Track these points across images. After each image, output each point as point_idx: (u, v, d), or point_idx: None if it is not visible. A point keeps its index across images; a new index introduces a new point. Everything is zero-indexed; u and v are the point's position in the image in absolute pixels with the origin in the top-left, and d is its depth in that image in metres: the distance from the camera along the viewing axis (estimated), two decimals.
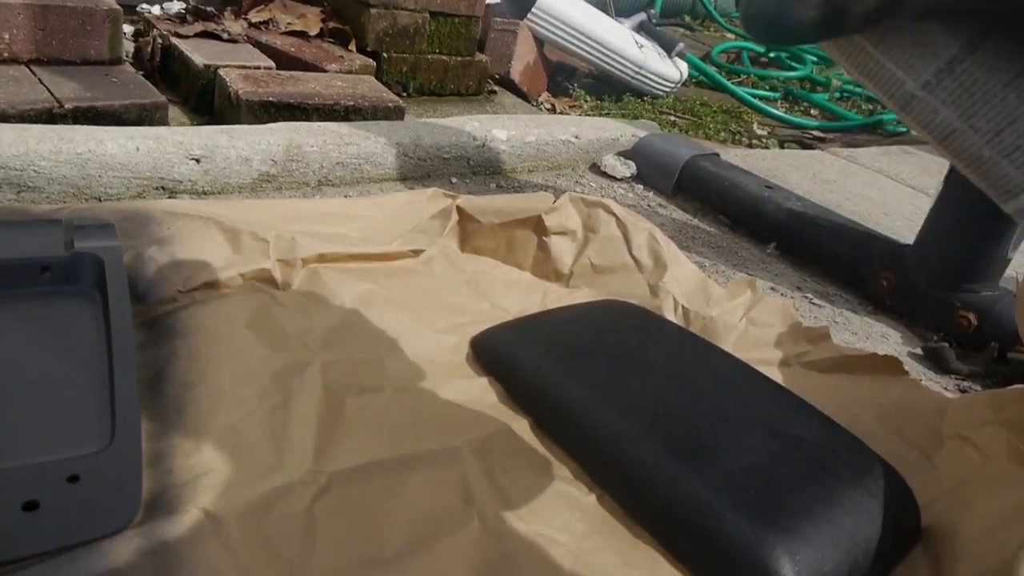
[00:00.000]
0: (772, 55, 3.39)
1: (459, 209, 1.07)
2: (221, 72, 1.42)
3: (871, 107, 2.97)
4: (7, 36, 1.23)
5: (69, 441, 0.61)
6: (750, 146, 2.27)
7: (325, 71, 1.61)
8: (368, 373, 0.77)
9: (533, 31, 2.28)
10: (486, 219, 1.06)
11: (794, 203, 1.42)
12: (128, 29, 1.62)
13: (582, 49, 2.38)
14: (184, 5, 1.69)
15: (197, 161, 1.10)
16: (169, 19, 1.61)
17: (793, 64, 3.27)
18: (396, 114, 1.51)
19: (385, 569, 0.57)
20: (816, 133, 2.58)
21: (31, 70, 1.24)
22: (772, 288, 1.25)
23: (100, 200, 1.03)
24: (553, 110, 2.22)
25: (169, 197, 1.08)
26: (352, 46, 1.80)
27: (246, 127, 1.19)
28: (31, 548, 0.51)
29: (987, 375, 1.07)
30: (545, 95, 2.33)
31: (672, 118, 2.39)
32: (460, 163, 1.41)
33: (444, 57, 1.92)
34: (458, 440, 0.71)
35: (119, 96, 1.24)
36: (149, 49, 1.54)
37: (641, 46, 2.47)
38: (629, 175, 1.59)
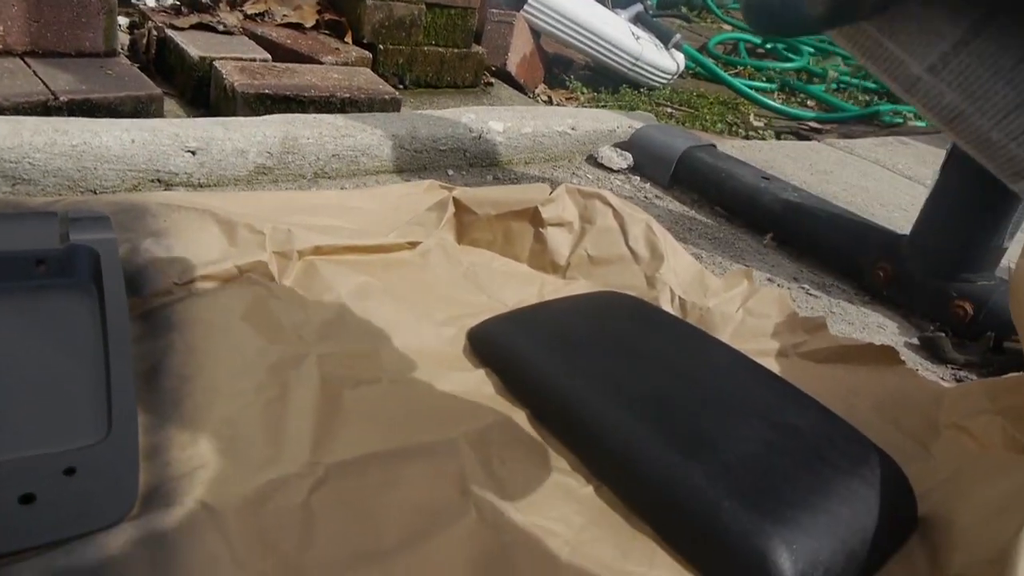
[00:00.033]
0: (769, 46, 3.38)
1: (455, 201, 1.07)
2: (217, 64, 1.42)
3: (867, 98, 2.97)
4: (1, 28, 1.22)
5: (65, 434, 0.60)
6: (747, 137, 2.27)
7: (321, 63, 1.60)
8: (365, 365, 0.77)
9: (530, 23, 2.28)
10: (483, 211, 1.06)
11: (791, 194, 1.42)
12: (123, 21, 1.61)
13: (579, 41, 2.38)
14: None
15: (193, 153, 1.09)
16: (164, 11, 1.61)
17: (790, 55, 3.27)
18: (392, 106, 1.51)
19: (382, 561, 0.57)
20: (813, 124, 2.57)
21: (26, 62, 1.23)
22: (769, 279, 1.25)
23: (95, 192, 1.03)
24: (550, 102, 2.22)
25: (165, 189, 1.08)
26: (348, 38, 1.80)
27: (242, 119, 1.19)
28: (27, 541, 0.51)
29: (983, 364, 1.07)
30: (542, 87, 2.33)
31: (669, 109, 2.38)
32: (456, 155, 1.40)
33: (440, 49, 1.91)
34: (455, 432, 0.71)
35: (114, 88, 1.23)
36: (144, 41, 1.53)
37: (638, 37, 2.47)
38: (626, 166, 1.59)
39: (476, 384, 0.79)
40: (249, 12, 1.75)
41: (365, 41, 1.79)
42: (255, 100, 1.35)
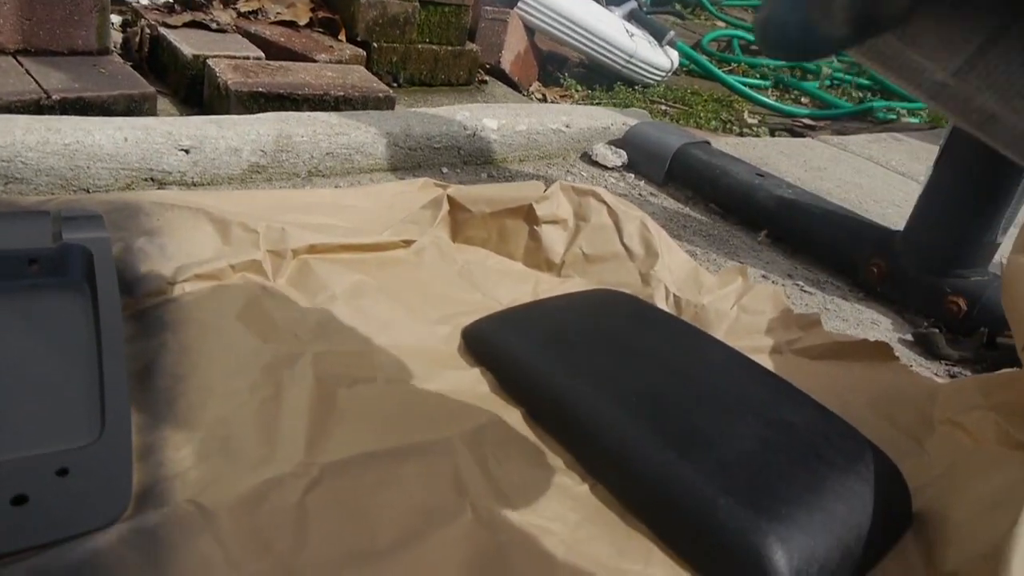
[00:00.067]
0: None
1: (450, 199, 1.06)
2: (210, 62, 1.41)
3: (861, 95, 2.97)
4: None
5: (58, 434, 0.60)
6: (741, 134, 2.27)
7: (315, 61, 1.60)
8: (359, 364, 0.77)
9: (524, 20, 2.27)
10: (477, 208, 1.06)
11: (785, 191, 1.42)
12: (116, 19, 1.60)
13: (573, 38, 2.38)
14: None
15: (186, 152, 1.09)
16: (157, 9, 1.60)
17: None
18: (386, 104, 1.51)
19: (378, 561, 0.57)
20: (806, 121, 2.58)
21: (18, 60, 1.23)
22: (763, 276, 1.25)
23: (88, 191, 1.02)
24: (544, 100, 2.22)
25: (158, 188, 1.08)
26: (342, 36, 1.79)
27: (235, 117, 1.19)
28: (20, 542, 0.51)
29: (977, 360, 1.08)
30: (536, 85, 2.33)
31: (663, 107, 2.38)
32: (451, 153, 1.40)
33: (434, 47, 1.91)
34: (450, 431, 0.71)
35: (107, 87, 1.23)
36: (137, 39, 1.52)
37: (632, 35, 2.46)
38: (620, 164, 1.59)
39: (471, 383, 0.79)
40: (242, 10, 1.74)
41: (359, 39, 1.79)
42: (249, 98, 1.34)
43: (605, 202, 1.11)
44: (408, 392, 0.75)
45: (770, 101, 2.68)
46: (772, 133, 2.37)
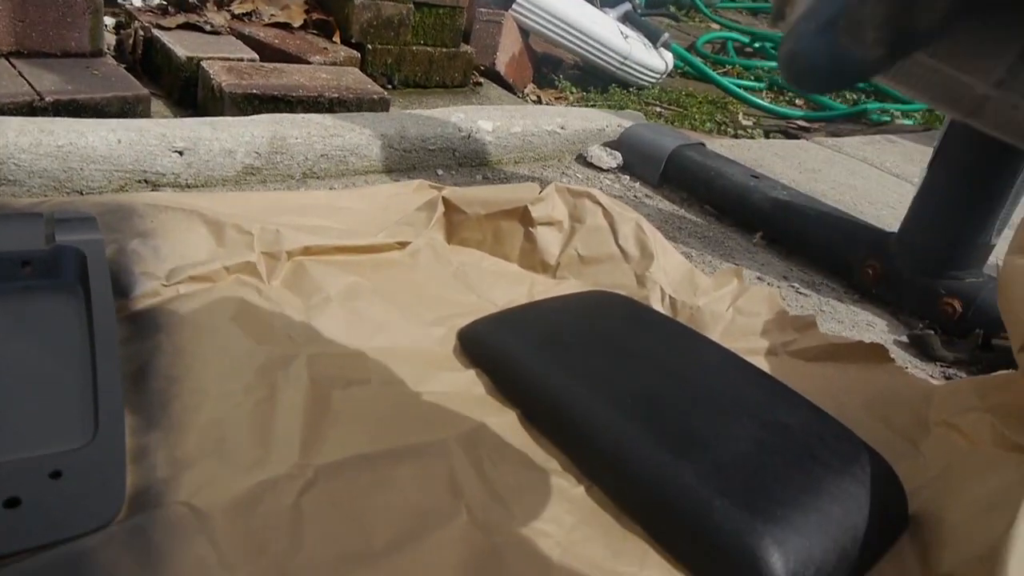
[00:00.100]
0: (757, 45, 3.39)
1: (445, 200, 1.06)
2: (204, 64, 1.41)
3: (855, 97, 2.98)
4: None
5: (51, 437, 0.60)
6: (736, 136, 2.28)
7: (309, 63, 1.60)
8: (354, 366, 0.77)
9: (518, 22, 2.27)
10: (472, 210, 1.06)
11: (780, 192, 1.42)
12: (109, 21, 1.60)
13: (567, 40, 2.38)
14: None
15: (180, 153, 1.09)
16: (151, 11, 1.60)
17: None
18: (381, 106, 1.50)
19: (373, 563, 0.57)
20: (801, 123, 2.58)
21: (11, 63, 1.22)
22: (759, 277, 1.25)
23: (82, 193, 1.02)
24: (539, 101, 2.22)
25: (152, 190, 1.07)
26: (336, 37, 1.79)
27: (229, 119, 1.18)
28: (12, 545, 0.50)
29: (972, 362, 1.08)
30: (531, 87, 2.33)
31: (658, 109, 2.39)
32: (446, 154, 1.40)
33: (429, 48, 1.91)
34: (446, 433, 0.70)
35: (101, 89, 1.22)
36: (131, 41, 1.52)
37: (626, 36, 2.47)
38: (615, 165, 1.59)
39: (466, 384, 0.79)
40: (236, 12, 1.74)
41: (353, 41, 1.78)
42: (243, 100, 1.34)
43: (600, 204, 1.11)
44: (403, 394, 0.75)
45: (764, 103, 2.69)
46: (767, 135, 2.37)
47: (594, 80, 2.49)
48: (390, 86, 1.85)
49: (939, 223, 1.17)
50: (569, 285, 1.04)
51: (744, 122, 2.44)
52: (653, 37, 2.58)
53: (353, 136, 1.27)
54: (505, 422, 0.75)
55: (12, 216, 0.84)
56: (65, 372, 0.67)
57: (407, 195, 1.12)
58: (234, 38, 1.59)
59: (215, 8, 1.71)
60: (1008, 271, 0.81)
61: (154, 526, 0.55)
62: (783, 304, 1.07)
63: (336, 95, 1.44)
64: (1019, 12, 0.28)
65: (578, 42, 2.39)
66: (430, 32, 1.90)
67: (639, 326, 0.89)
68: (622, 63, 2.45)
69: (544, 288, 1.02)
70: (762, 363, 0.95)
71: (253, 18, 1.75)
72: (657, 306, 1.01)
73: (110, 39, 1.53)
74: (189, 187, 1.11)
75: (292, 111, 1.36)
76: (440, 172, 1.38)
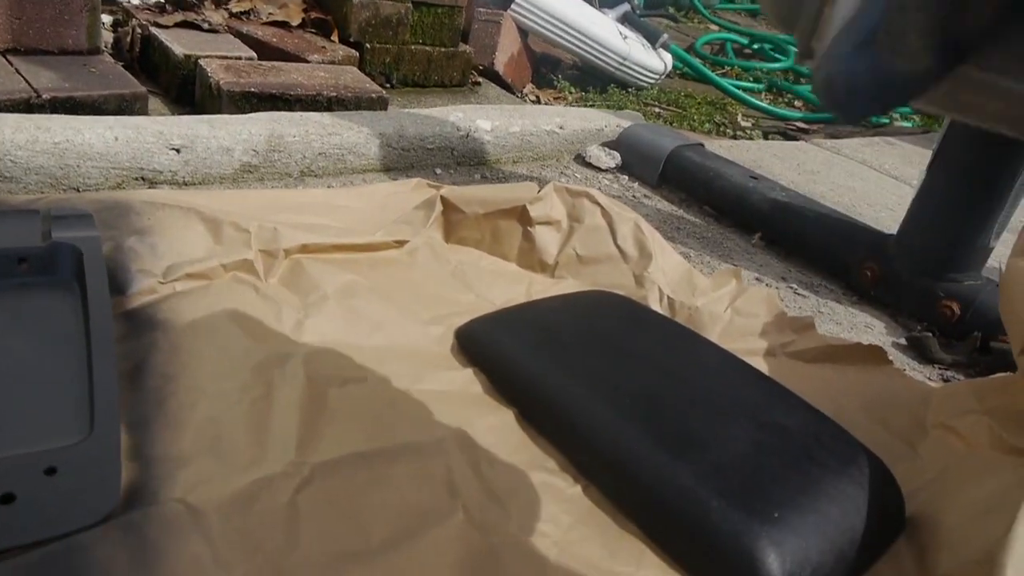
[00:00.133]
0: (756, 47, 3.39)
1: (443, 199, 1.06)
2: (202, 62, 1.40)
3: None
4: None
5: (47, 433, 0.60)
6: (734, 137, 2.28)
7: (307, 62, 1.59)
8: (351, 364, 0.77)
9: (517, 22, 2.27)
10: (470, 209, 1.06)
11: (779, 194, 1.42)
12: (107, 19, 1.60)
13: (566, 40, 2.38)
14: None
15: (177, 151, 1.08)
16: (148, 8, 1.60)
17: (777, 56, 3.28)
18: (379, 105, 1.50)
19: (369, 561, 0.56)
20: (800, 124, 2.58)
21: (8, 60, 1.22)
22: (757, 278, 1.25)
23: (78, 190, 1.01)
24: (538, 101, 2.21)
25: (149, 187, 1.07)
26: (334, 36, 1.79)
27: (227, 117, 1.18)
28: (7, 541, 0.50)
29: (970, 364, 1.08)
30: (529, 87, 2.33)
31: (656, 109, 2.39)
32: (444, 153, 1.40)
33: (427, 48, 1.91)
34: (442, 432, 0.70)
35: (98, 86, 1.22)
36: (128, 39, 1.52)
37: (625, 37, 2.47)
38: (614, 165, 1.59)
39: (464, 383, 0.79)
40: (234, 10, 1.73)
41: (352, 40, 1.78)
42: (241, 98, 1.34)
43: (599, 203, 1.11)
44: (400, 392, 0.75)
45: (763, 104, 2.69)
46: (766, 136, 2.37)
47: (593, 80, 2.49)
48: (388, 85, 1.85)
49: (938, 225, 1.16)
50: (567, 285, 1.03)
51: (743, 123, 2.44)
52: (652, 38, 2.58)
53: (351, 135, 1.26)
54: (502, 421, 0.75)
55: (9, 213, 0.84)
56: (61, 369, 0.67)
57: (405, 194, 1.12)
58: (232, 36, 1.59)
59: (213, 6, 1.70)
60: (1011, 273, 0.81)
61: (149, 523, 0.54)
62: (781, 305, 1.06)
63: (334, 94, 1.44)
64: None
65: (577, 42, 2.38)
66: (429, 31, 1.90)
67: (637, 326, 0.88)
68: (621, 63, 2.45)
69: (542, 287, 1.02)
70: (760, 364, 0.94)
71: (251, 16, 1.75)
72: (655, 306, 1.01)
73: (107, 37, 1.53)
74: (186, 185, 1.11)
75: (290, 109, 1.36)
76: (438, 171, 1.38)
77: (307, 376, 0.73)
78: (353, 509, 0.60)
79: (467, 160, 1.44)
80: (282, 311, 0.82)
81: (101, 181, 1.03)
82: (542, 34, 2.35)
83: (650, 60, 2.51)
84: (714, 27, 3.82)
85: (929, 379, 1.04)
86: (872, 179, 1.97)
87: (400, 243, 1.00)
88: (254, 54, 1.52)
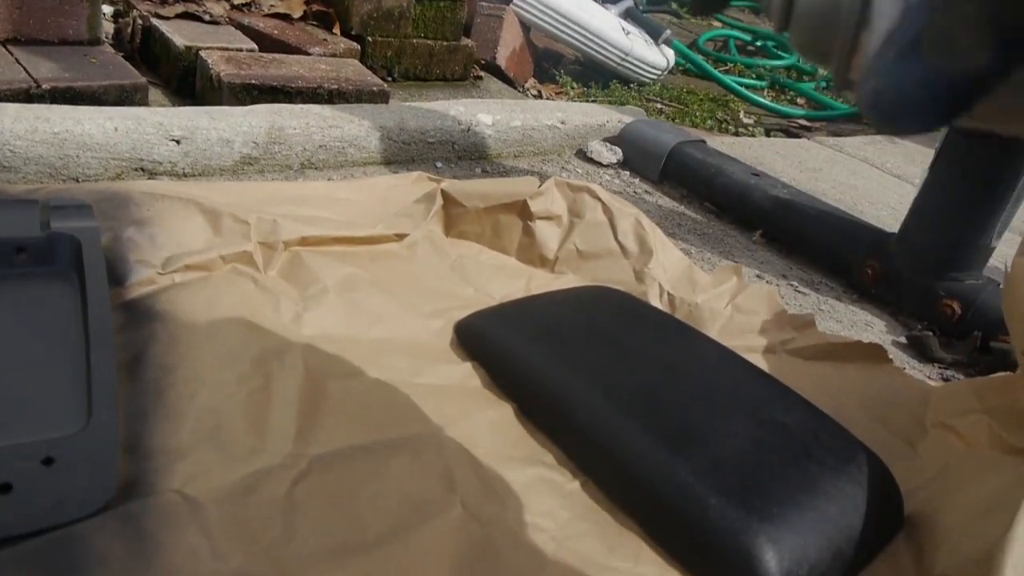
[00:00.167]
0: (759, 43, 3.39)
1: (444, 193, 1.06)
2: (203, 54, 1.40)
3: None
4: None
5: (44, 423, 0.59)
6: (736, 134, 2.27)
7: (308, 54, 1.59)
8: (350, 357, 0.76)
9: (520, 16, 2.27)
10: (471, 203, 1.05)
11: (780, 191, 1.42)
12: (107, 9, 1.59)
13: (569, 35, 2.37)
14: None
15: (177, 142, 1.08)
16: None
17: (780, 53, 3.27)
18: (380, 98, 1.50)
19: (366, 554, 0.56)
20: (802, 122, 2.58)
21: (8, 49, 1.22)
22: (758, 275, 1.24)
23: (78, 181, 1.01)
24: (539, 96, 2.21)
25: (148, 179, 1.07)
26: (336, 29, 1.78)
27: (227, 108, 1.18)
28: (4, 531, 0.50)
29: (970, 364, 1.07)
30: (531, 81, 2.32)
31: (659, 105, 2.38)
32: (445, 147, 1.39)
33: (429, 41, 1.90)
34: (441, 425, 0.70)
35: (98, 77, 1.22)
36: (129, 30, 1.51)
37: (628, 33, 2.46)
38: (615, 161, 1.59)
39: (463, 377, 0.79)
40: (235, 2, 1.73)
41: (353, 33, 1.77)
42: (241, 90, 1.33)
43: (600, 199, 1.11)
44: (399, 386, 0.74)
45: (766, 101, 2.68)
46: (768, 133, 2.37)
47: (595, 76, 2.48)
48: (390, 78, 1.85)
49: (939, 224, 1.16)
50: (567, 280, 1.03)
51: (745, 120, 2.44)
52: (655, 34, 2.57)
53: (352, 127, 1.26)
54: (501, 416, 0.74)
55: (7, 202, 0.83)
56: (59, 359, 0.66)
57: (406, 187, 1.12)
58: (233, 28, 1.58)
59: None
60: (1016, 272, 0.81)
61: (147, 514, 0.54)
62: (782, 303, 1.06)
63: (335, 86, 1.43)
64: None
65: (579, 37, 2.38)
66: (431, 25, 1.89)
67: (637, 322, 0.88)
68: (623, 59, 2.45)
69: (542, 282, 1.01)
70: (760, 361, 0.94)
71: (252, 8, 1.74)
72: (655, 302, 1.01)
73: (108, 27, 1.52)
74: (186, 176, 1.10)
75: (291, 102, 1.36)
76: (439, 165, 1.38)
77: (306, 368, 0.72)
78: (351, 501, 0.60)
79: (468, 154, 1.44)
80: (281, 303, 0.82)
81: (100, 172, 1.03)
82: (544, 29, 2.34)
83: (653, 56, 2.51)
84: (717, 23, 3.81)
85: (929, 378, 1.04)
86: (874, 177, 1.97)
87: (400, 236, 1.00)
88: (255, 46, 1.52)
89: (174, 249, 0.83)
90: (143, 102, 1.25)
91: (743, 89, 2.73)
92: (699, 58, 2.90)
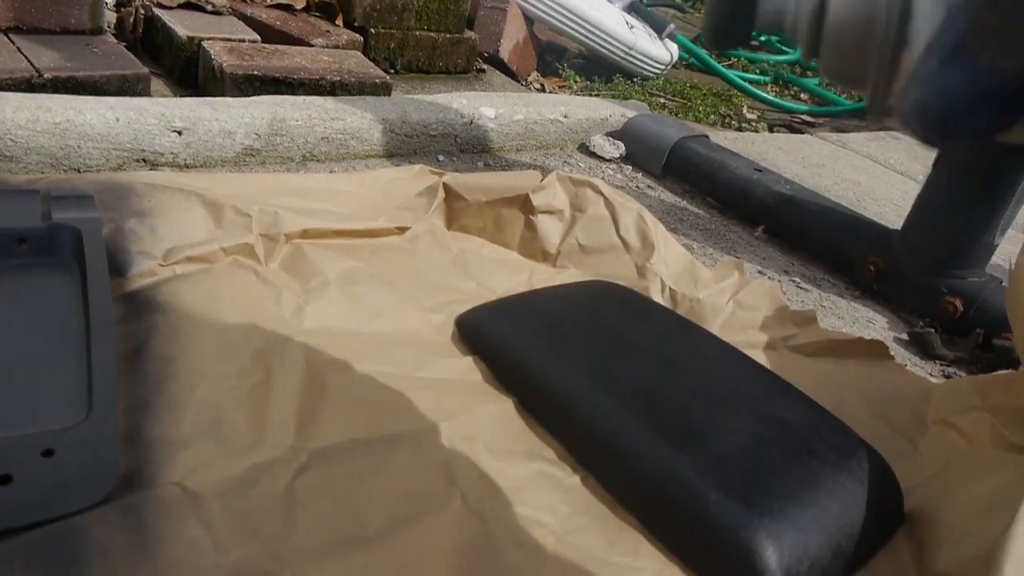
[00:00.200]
0: (763, 39, 3.38)
1: (446, 186, 1.05)
2: (205, 44, 1.40)
3: None
4: None
5: (44, 414, 0.59)
6: (739, 129, 2.27)
7: (311, 45, 1.59)
8: (351, 350, 0.76)
9: (523, 9, 2.26)
10: (473, 197, 1.05)
11: (783, 187, 1.41)
12: None
13: (572, 29, 2.36)
14: None
15: (179, 133, 1.08)
16: None
17: (784, 48, 3.26)
18: (383, 90, 1.49)
19: (366, 548, 0.56)
20: (805, 117, 2.57)
21: (9, 38, 1.21)
22: (760, 271, 1.24)
23: (79, 171, 1.01)
24: (542, 90, 2.20)
25: (150, 169, 1.06)
26: (339, 21, 1.78)
27: (229, 100, 1.17)
28: (4, 523, 0.50)
29: (972, 361, 1.07)
30: (534, 75, 2.32)
31: (662, 100, 2.38)
32: (447, 140, 1.39)
33: (432, 34, 1.90)
34: (441, 419, 0.70)
35: (100, 67, 1.21)
36: (131, 20, 1.51)
37: (632, 27, 2.45)
38: (618, 156, 1.58)
39: (463, 371, 0.79)
40: None
41: (356, 24, 1.77)
42: (243, 81, 1.33)
43: (602, 193, 1.10)
44: (399, 379, 0.74)
45: (769, 97, 2.68)
46: (771, 129, 2.36)
47: (598, 70, 2.48)
48: (392, 71, 1.84)
49: (942, 221, 1.16)
50: (569, 274, 1.03)
51: (748, 115, 2.43)
52: (658, 28, 2.57)
53: (354, 120, 1.26)
54: (501, 410, 0.74)
55: (9, 192, 0.83)
56: (60, 350, 0.66)
57: (407, 180, 1.11)
58: (235, 19, 1.58)
59: None
60: (1020, 270, 0.80)
61: (147, 506, 0.54)
62: (784, 299, 1.06)
63: (338, 78, 1.43)
64: None
65: (583, 31, 2.37)
66: (434, 17, 1.89)
67: (639, 317, 0.88)
68: (627, 53, 2.44)
69: (544, 277, 1.01)
70: (761, 357, 0.94)
71: None
72: (657, 297, 1.01)
73: (110, 17, 1.52)
74: (187, 167, 1.10)
75: (293, 93, 1.35)
76: (441, 158, 1.38)
77: (306, 361, 0.72)
78: (351, 495, 0.60)
79: (470, 147, 1.43)
80: (282, 296, 0.82)
81: (102, 162, 1.02)
82: (548, 22, 2.34)
83: (656, 50, 2.50)
84: None
85: (931, 375, 1.04)
86: (877, 174, 1.96)
87: (402, 229, 1.00)
88: (258, 37, 1.51)
89: (175, 240, 0.83)
90: (145, 92, 1.25)
91: (747, 84, 2.72)
92: (703, 52, 2.89)
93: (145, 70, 1.26)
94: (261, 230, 0.88)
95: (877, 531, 0.68)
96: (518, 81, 2.15)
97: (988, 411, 0.80)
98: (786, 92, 2.89)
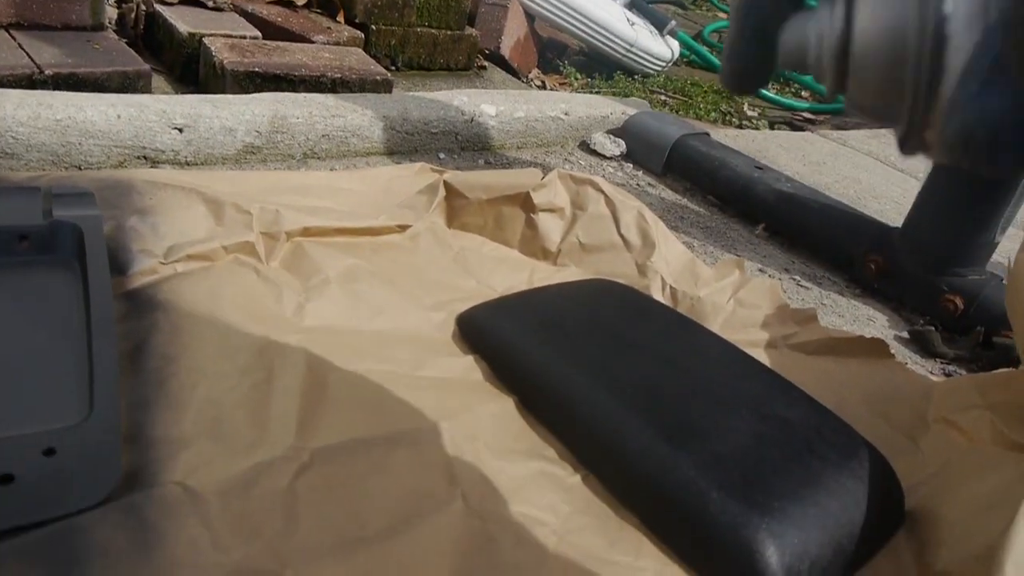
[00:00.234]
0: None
1: (446, 184, 1.05)
2: (206, 41, 1.40)
3: None
4: None
5: (46, 414, 0.59)
6: (740, 127, 2.26)
7: (312, 42, 1.58)
8: (352, 349, 0.76)
9: (524, 6, 2.26)
10: (474, 195, 1.05)
11: (784, 184, 1.41)
12: None
13: (573, 25, 2.36)
14: None
15: (180, 131, 1.08)
16: None
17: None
18: (384, 87, 1.49)
19: (367, 547, 0.56)
20: (806, 115, 2.57)
21: (11, 34, 1.21)
22: (760, 269, 1.24)
23: (80, 168, 1.01)
24: (543, 87, 2.20)
25: (151, 167, 1.06)
26: (340, 17, 1.78)
27: (230, 97, 1.17)
28: (5, 522, 0.50)
29: (972, 359, 1.07)
30: (535, 72, 2.31)
31: (663, 97, 2.37)
32: (448, 138, 1.39)
33: (433, 30, 1.89)
34: (442, 418, 0.70)
35: (101, 63, 1.21)
36: (133, 16, 1.51)
37: (632, 24, 2.45)
38: (619, 153, 1.58)
39: (464, 370, 0.79)
40: None
41: (357, 21, 1.77)
42: (244, 78, 1.33)
43: (603, 191, 1.10)
44: (400, 378, 0.74)
45: (770, 94, 2.67)
46: (771, 126, 2.36)
47: (599, 67, 2.47)
48: (393, 68, 1.84)
49: (943, 219, 1.16)
50: (570, 273, 1.03)
51: (749, 113, 2.43)
52: (659, 25, 2.56)
53: (355, 117, 1.26)
54: (502, 409, 0.74)
55: (10, 190, 0.83)
56: (61, 349, 0.66)
57: (408, 178, 1.11)
58: (236, 15, 1.58)
59: None
60: (1019, 268, 0.80)
61: (149, 505, 0.54)
62: (784, 297, 1.06)
63: (339, 75, 1.43)
64: None
65: (584, 28, 2.37)
66: (435, 14, 1.88)
67: (639, 315, 0.88)
68: (628, 50, 2.44)
69: (544, 275, 1.01)
70: (762, 355, 0.94)
71: None
72: (658, 296, 1.01)
73: (112, 13, 1.52)
74: (188, 165, 1.10)
75: (294, 90, 1.35)
76: (442, 155, 1.38)
77: (307, 360, 0.72)
78: (352, 495, 0.60)
79: (471, 145, 1.43)
80: (283, 294, 0.82)
81: (103, 159, 1.02)
82: (549, 19, 2.33)
83: (657, 47, 2.50)
84: (722, 15, 3.80)
85: (931, 373, 1.04)
86: (878, 171, 1.96)
87: (402, 227, 1.00)
88: (258, 33, 1.51)
89: (176, 238, 0.83)
90: (146, 89, 1.25)
91: None
92: (704, 49, 2.89)
93: (146, 67, 1.26)
94: (262, 228, 0.88)
95: (878, 530, 0.68)
96: (519, 78, 2.15)
97: (989, 409, 0.80)
98: (787, 89, 2.89)
